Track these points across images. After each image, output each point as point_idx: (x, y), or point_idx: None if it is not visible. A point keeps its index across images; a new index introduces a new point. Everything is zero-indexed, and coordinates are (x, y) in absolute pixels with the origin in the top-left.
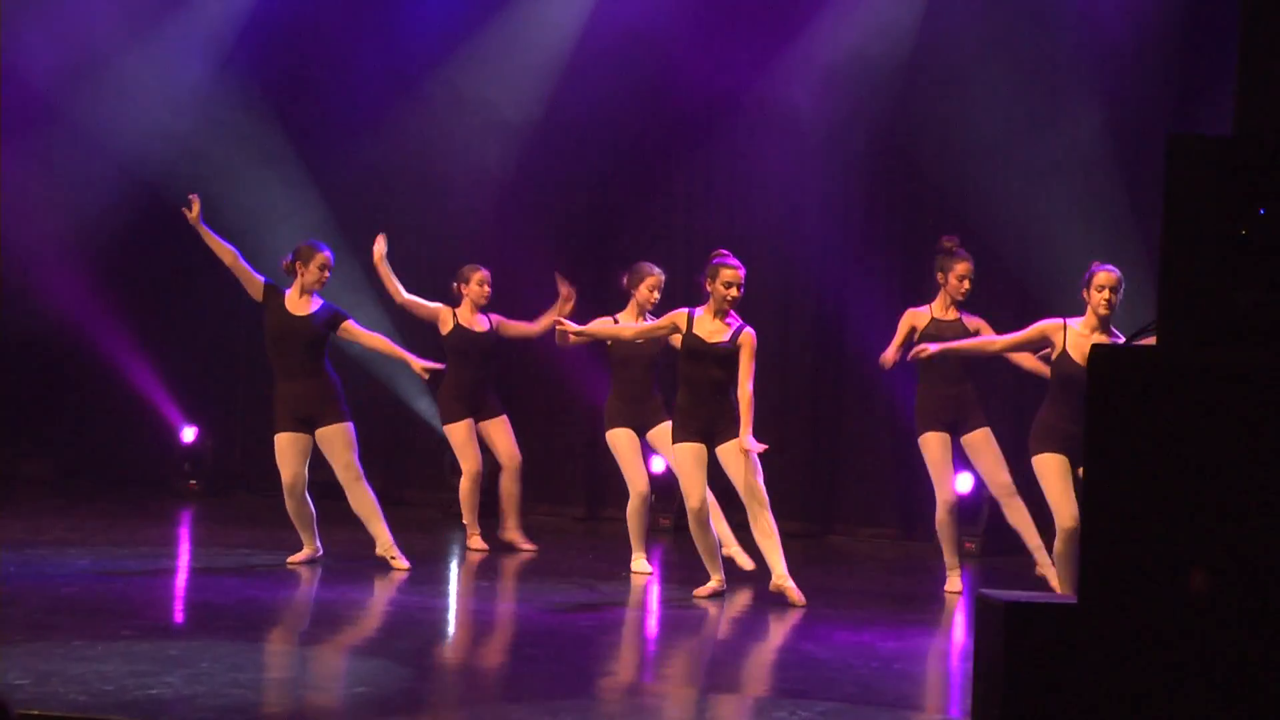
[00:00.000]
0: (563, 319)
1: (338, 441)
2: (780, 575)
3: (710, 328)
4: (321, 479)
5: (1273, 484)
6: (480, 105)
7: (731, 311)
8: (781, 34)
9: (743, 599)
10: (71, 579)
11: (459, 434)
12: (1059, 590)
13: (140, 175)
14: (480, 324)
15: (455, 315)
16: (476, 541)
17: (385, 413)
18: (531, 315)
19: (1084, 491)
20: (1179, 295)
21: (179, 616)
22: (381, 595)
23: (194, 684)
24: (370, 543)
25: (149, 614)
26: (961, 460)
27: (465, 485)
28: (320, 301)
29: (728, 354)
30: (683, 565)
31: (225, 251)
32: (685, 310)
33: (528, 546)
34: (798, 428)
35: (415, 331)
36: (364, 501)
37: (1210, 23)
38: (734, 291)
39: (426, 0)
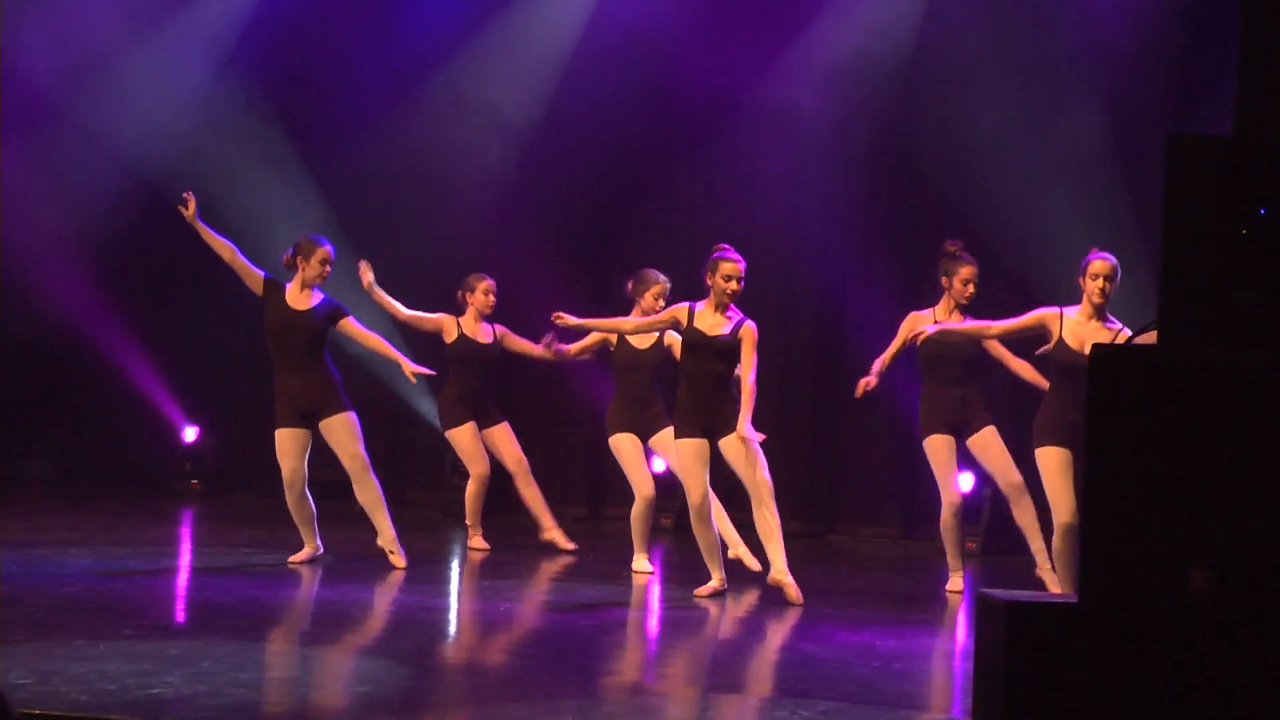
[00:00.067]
0: (563, 314)
1: (342, 431)
2: (780, 570)
3: (711, 321)
4: (322, 478)
5: (1273, 484)
6: (481, 105)
7: (732, 305)
8: (782, 34)
9: (744, 599)
10: (73, 579)
11: (464, 438)
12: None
13: (141, 175)
14: (484, 334)
15: (459, 324)
16: (478, 541)
17: (386, 413)
18: (531, 316)
19: (1084, 491)
20: (1179, 295)
21: (180, 616)
22: (383, 595)
23: (195, 683)
24: (371, 543)
25: (150, 613)
26: (963, 461)
27: (472, 488)
28: (321, 296)
29: (728, 347)
30: (684, 565)
31: (223, 247)
32: (686, 304)
33: (569, 546)
34: (798, 428)
35: (417, 334)
36: (370, 492)
37: (1210, 23)
38: (734, 285)
39: (427, 0)
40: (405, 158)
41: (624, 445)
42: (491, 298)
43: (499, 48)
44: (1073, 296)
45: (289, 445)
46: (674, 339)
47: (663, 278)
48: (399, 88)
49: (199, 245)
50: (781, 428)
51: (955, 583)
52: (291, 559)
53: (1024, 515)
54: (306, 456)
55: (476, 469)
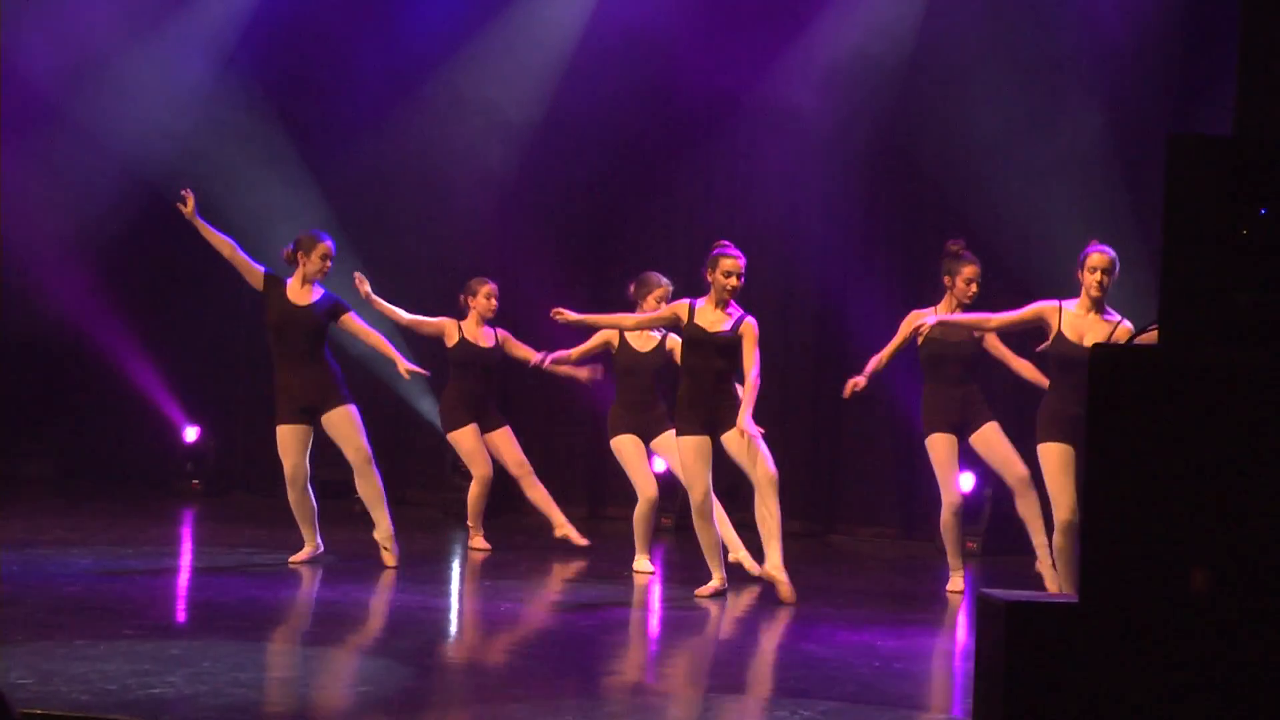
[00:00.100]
0: (562, 309)
1: (345, 424)
2: (775, 566)
3: (712, 318)
4: (323, 478)
5: (1273, 484)
6: (481, 105)
7: (733, 302)
8: (782, 34)
9: (744, 599)
10: (73, 578)
11: (466, 440)
12: (1053, 589)
13: (141, 175)
14: (485, 339)
15: (460, 329)
16: (479, 542)
17: (387, 413)
18: (532, 316)
19: (1084, 492)
20: (1179, 295)
21: (181, 616)
22: (383, 595)
23: (196, 683)
24: (372, 543)
25: (151, 613)
26: (964, 461)
27: (475, 490)
28: (322, 291)
29: (729, 343)
30: (684, 565)
31: (223, 244)
32: (686, 301)
33: (582, 541)
34: (798, 428)
35: (418, 336)
36: (372, 486)
37: (1210, 23)
38: (734, 281)
39: (428, 0)
40: (405, 158)
41: (626, 447)
42: (493, 302)
43: (499, 48)
44: (1072, 294)
45: (290, 441)
46: (675, 343)
47: (665, 280)
48: (399, 88)
49: (199, 245)
50: (781, 428)
51: (955, 583)
52: (292, 559)
53: (1028, 509)
54: (308, 453)
55: (479, 471)
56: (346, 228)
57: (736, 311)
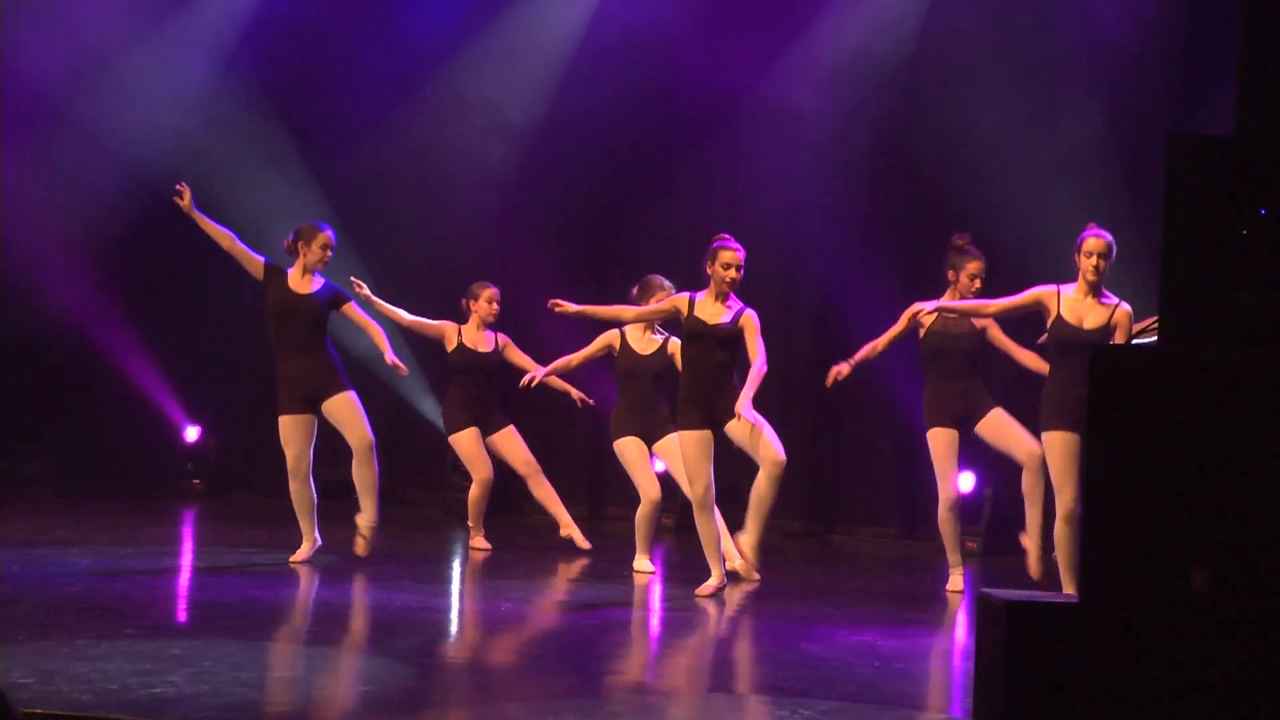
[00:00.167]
0: (561, 301)
1: (346, 410)
2: (750, 546)
3: (712, 310)
4: (323, 478)
5: (1273, 484)
6: (482, 105)
7: (732, 294)
8: (783, 34)
9: (744, 598)
10: (74, 578)
11: (467, 443)
12: (1034, 567)
13: (142, 175)
14: (486, 343)
15: (460, 333)
16: (480, 542)
17: (387, 413)
18: (532, 315)
19: (1085, 490)
20: (1179, 295)
21: (182, 615)
22: (383, 595)
23: (197, 683)
24: (373, 543)
25: (152, 613)
26: (965, 460)
27: (475, 492)
28: (322, 280)
29: (729, 335)
30: (685, 565)
31: (222, 236)
32: (687, 294)
33: (585, 545)
34: (798, 428)
35: (420, 338)
36: (369, 473)
37: (1210, 23)
38: (733, 273)
39: (429, 1)
40: (406, 158)
41: (629, 449)
42: (495, 306)
43: (500, 48)
44: (1071, 279)
45: (292, 431)
46: (676, 347)
47: (668, 284)
48: (400, 88)
49: (200, 245)
50: (782, 428)
51: (955, 582)
52: (292, 558)
53: (1033, 485)
54: (311, 443)
55: (479, 474)
56: (346, 228)
57: (736, 304)
